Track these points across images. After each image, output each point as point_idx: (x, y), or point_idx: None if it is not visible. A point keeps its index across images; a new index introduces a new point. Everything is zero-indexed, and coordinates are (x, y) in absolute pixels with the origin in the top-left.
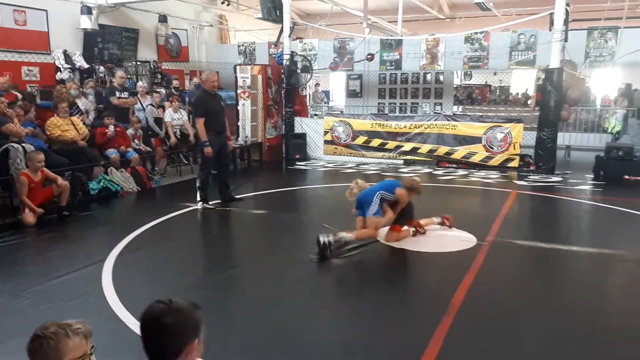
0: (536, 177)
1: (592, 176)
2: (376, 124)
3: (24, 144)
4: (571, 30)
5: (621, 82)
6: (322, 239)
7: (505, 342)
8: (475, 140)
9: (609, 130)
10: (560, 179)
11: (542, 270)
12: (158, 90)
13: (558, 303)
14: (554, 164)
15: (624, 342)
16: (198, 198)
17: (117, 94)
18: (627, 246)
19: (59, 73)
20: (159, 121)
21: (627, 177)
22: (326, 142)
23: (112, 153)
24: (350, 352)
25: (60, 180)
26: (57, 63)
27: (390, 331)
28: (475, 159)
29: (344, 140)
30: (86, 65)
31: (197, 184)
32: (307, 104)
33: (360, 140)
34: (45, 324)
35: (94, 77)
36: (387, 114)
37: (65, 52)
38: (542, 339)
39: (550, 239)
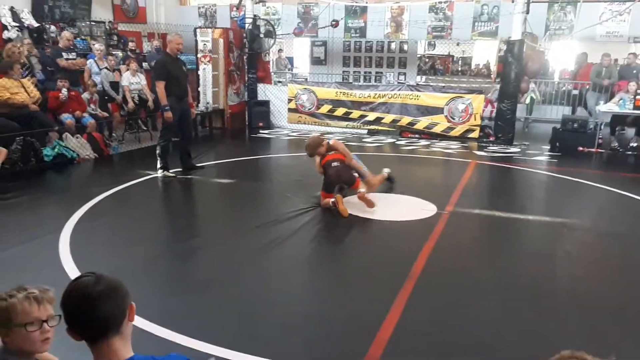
0: (495, 148)
1: (549, 147)
2: (341, 92)
3: None
4: (533, 2)
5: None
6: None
7: (464, 306)
8: (437, 110)
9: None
10: (519, 150)
11: (499, 238)
12: (114, 52)
13: (513, 269)
14: (512, 135)
15: (573, 306)
16: (158, 166)
17: (64, 55)
18: (578, 215)
19: (5, 32)
20: (115, 85)
21: (581, 148)
22: (290, 110)
23: (66, 118)
24: (312, 321)
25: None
26: (3, 21)
27: (352, 298)
28: (437, 129)
29: (309, 109)
30: (35, 24)
31: (157, 152)
32: (271, 71)
33: (325, 109)
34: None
35: (45, 36)
36: (351, 83)
37: (12, 9)
38: (498, 303)
39: (507, 208)
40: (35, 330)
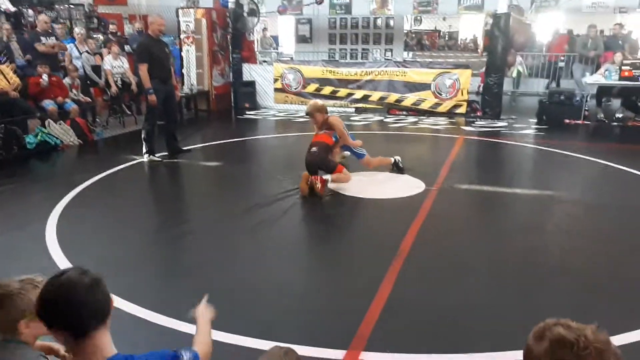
0: (483, 123)
1: (536, 120)
2: (327, 70)
3: None
4: None
5: (564, 28)
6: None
7: (453, 281)
8: (424, 87)
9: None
10: (506, 124)
11: (488, 212)
12: (94, 36)
13: (501, 243)
14: (500, 109)
15: (561, 277)
16: (144, 150)
17: (43, 39)
18: (565, 187)
19: None
20: (97, 69)
21: (567, 120)
22: (276, 90)
23: (48, 104)
24: (302, 300)
25: None
26: None
27: (343, 275)
28: (425, 105)
29: (295, 88)
30: (12, 9)
31: (143, 136)
32: (255, 50)
33: (312, 88)
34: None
35: (22, 21)
36: (337, 61)
37: None
38: (486, 276)
39: (495, 183)
40: None
